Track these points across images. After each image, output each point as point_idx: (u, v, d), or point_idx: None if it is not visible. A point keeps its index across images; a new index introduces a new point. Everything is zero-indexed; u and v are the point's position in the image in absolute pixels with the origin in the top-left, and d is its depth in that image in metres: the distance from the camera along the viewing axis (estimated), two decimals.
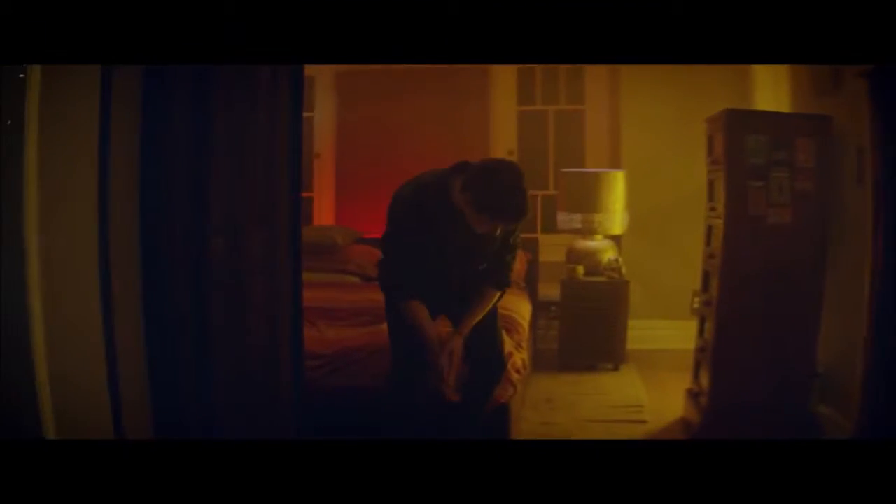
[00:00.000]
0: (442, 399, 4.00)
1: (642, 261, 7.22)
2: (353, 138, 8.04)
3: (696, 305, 7.19)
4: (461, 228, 3.82)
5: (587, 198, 6.81)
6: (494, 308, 4.19)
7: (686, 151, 7.05)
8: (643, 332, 7.30)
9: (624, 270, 6.83)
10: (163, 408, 2.80)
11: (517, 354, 4.67)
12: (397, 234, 3.97)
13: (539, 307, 7.03)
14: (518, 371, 4.62)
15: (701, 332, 5.49)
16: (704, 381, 5.18)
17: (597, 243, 6.98)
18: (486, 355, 4.17)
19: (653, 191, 7.30)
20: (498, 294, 4.15)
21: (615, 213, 6.82)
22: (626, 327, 6.82)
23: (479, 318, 4.05)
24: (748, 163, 4.90)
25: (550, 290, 7.28)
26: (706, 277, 5.46)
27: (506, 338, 4.52)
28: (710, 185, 5.40)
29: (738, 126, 4.96)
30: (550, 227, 7.78)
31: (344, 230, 7.22)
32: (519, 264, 6.78)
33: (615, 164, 7.60)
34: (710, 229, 5.39)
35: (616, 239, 7.12)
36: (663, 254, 7.37)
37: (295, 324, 3.33)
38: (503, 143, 7.98)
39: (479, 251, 4.01)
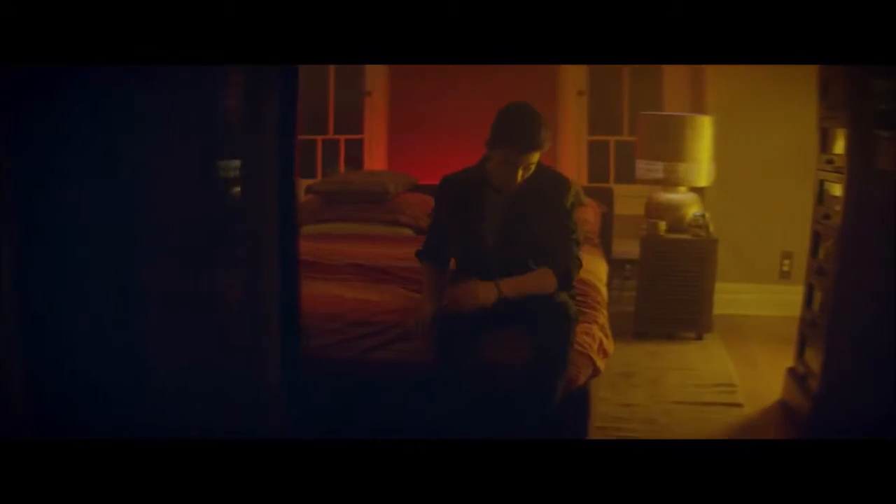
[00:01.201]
0: (498, 389, 3.72)
1: (727, 217, 6.40)
2: (408, 74, 7.26)
3: (785, 268, 6.54)
4: (498, 208, 3.89)
5: (670, 145, 6.02)
6: (564, 304, 3.79)
7: (783, 95, 6.29)
8: (725, 297, 6.53)
9: (711, 228, 6.05)
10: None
11: (598, 332, 3.95)
12: (439, 216, 4.17)
13: (613, 265, 6.27)
14: (603, 353, 3.93)
15: (808, 302, 4.72)
16: (813, 362, 4.43)
17: (680, 196, 6.20)
18: (548, 348, 3.69)
19: (741, 139, 6.47)
20: (554, 281, 3.86)
21: (702, 162, 6.03)
22: (712, 292, 6.04)
23: (528, 288, 3.81)
24: (876, 109, 4.09)
25: (626, 247, 6.53)
26: (816, 240, 4.68)
27: (582, 313, 4.01)
28: (823, 134, 4.62)
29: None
30: (626, 177, 7.06)
31: (396, 176, 6.50)
32: (593, 217, 6.08)
33: (697, 108, 6.80)
34: (822, 185, 4.62)
35: (699, 192, 6.33)
36: (750, 210, 6.59)
37: (287, 325, 2.67)
38: (572, 82, 7.19)
39: (522, 233, 3.90)
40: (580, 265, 3.96)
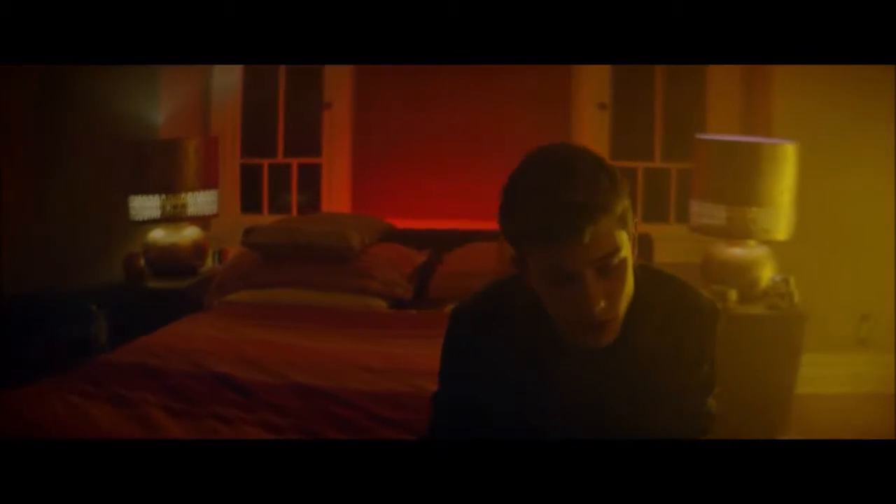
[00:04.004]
0: None
1: (803, 275, 4.79)
2: (378, 80, 5.69)
3: (863, 334, 5.02)
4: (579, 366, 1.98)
5: (740, 182, 4.40)
6: None
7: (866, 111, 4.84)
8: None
9: (796, 297, 4.44)
10: None
11: None
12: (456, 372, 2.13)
13: None
14: None
15: None
16: None
17: (749, 252, 4.58)
18: None
19: (823, 174, 4.86)
20: None
21: (781, 207, 4.42)
22: (793, 386, 4.43)
23: None
24: None
25: None
26: None
27: None
28: None
29: None
30: (658, 214, 5.56)
31: (364, 221, 4.87)
32: None
33: (756, 130, 5.21)
34: None
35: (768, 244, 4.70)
36: (827, 264, 5.06)
37: None
38: (590, 91, 5.57)
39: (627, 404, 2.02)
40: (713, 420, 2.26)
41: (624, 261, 1.82)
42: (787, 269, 4.60)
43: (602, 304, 1.81)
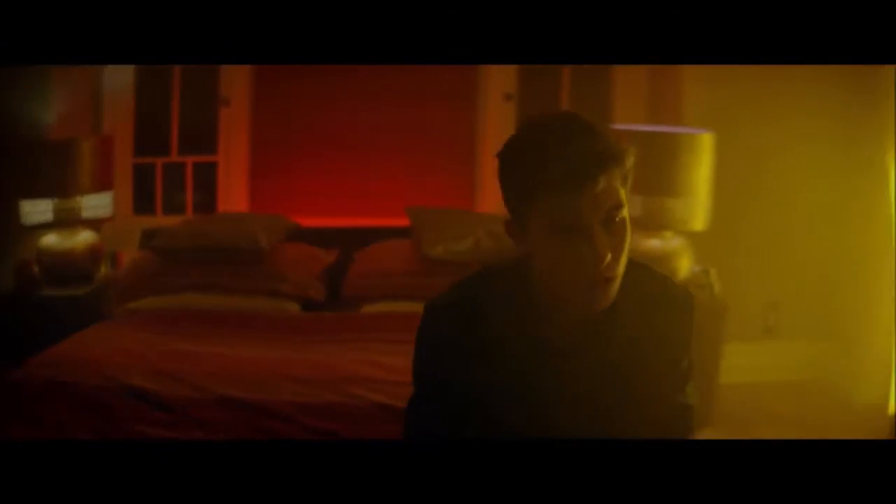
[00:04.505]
0: None
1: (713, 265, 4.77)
2: (278, 75, 5.45)
3: (771, 323, 5.04)
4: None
5: (657, 172, 4.35)
6: None
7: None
8: None
9: (717, 288, 4.40)
10: None
11: None
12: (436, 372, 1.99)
13: None
14: None
15: None
16: None
17: (666, 243, 4.53)
18: None
19: (735, 163, 4.83)
20: None
21: (698, 196, 4.38)
22: (716, 377, 4.42)
23: None
24: None
25: None
26: None
27: None
28: None
29: None
30: None
31: (269, 220, 4.68)
32: None
33: (661, 119, 5.18)
34: None
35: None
36: (733, 253, 5.02)
37: None
38: (496, 81, 5.48)
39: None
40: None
41: (624, 219, 1.82)
42: (701, 261, 4.58)
43: (608, 257, 1.79)
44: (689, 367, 2.03)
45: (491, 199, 5.45)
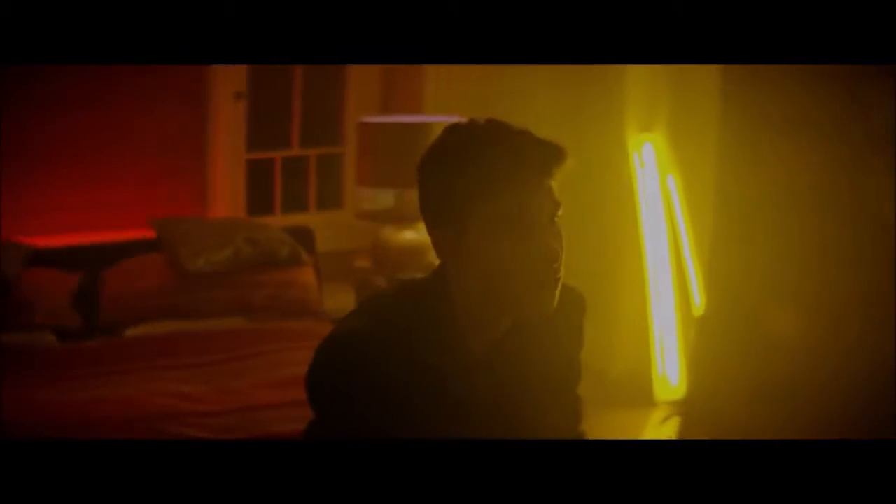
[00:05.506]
0: None
1: None
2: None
3: None
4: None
5: (410, 163, 4.35)
6: None
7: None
8: None
9: None
10: None
11: None
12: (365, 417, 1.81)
13: None
14: None
15: None
16: None
17: (422, 235, 4.54)
18: None
19: None
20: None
21: None
22: None
23: None
24: None
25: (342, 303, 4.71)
26: None
27: None
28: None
29: None
30: (334, 202, 5.49)
31: (7, 248, 4.34)
32: (313, 280, 4.39)
33: (394, 108, 5.25)
34: None
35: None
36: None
37: None
38: (225, 80, 5.29)
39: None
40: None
41: (559, 220, 1.81)
42: None
43: (562, 256, 1.79)
44: (580, 363, 2.06)
45: (224, 204, 5.32)
